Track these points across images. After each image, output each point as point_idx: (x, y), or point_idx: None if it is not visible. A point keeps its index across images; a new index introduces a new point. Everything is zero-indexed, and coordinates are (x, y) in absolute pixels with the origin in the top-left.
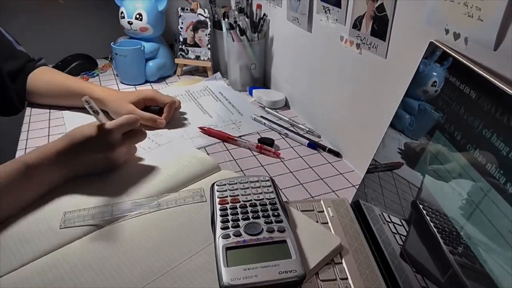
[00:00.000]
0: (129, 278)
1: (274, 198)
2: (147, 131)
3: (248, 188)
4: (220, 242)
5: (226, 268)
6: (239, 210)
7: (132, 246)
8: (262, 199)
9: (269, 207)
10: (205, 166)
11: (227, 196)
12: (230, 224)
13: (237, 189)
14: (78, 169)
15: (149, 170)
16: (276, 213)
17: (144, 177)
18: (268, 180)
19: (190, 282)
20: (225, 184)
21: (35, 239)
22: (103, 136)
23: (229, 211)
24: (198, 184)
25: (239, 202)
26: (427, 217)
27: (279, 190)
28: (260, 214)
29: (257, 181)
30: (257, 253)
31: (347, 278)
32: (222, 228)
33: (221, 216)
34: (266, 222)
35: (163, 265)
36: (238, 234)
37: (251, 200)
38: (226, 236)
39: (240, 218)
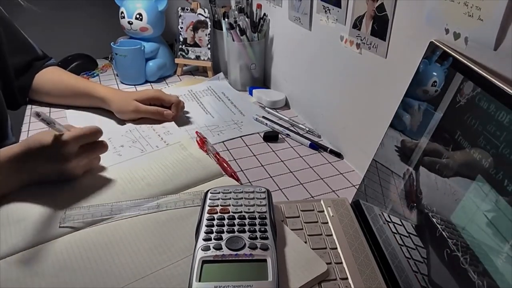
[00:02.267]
0: (104, 280)
1: (265, 212)
2: (156, 125)
3: (241, 198)
4: (198, 254)
5: (197, 283)
6: (226, 221)
7: (118, 248)
8: (253, 212)
9: (257, 221)
10: (207, 172)
11: (217, 205)
12: (213, 235)
13: (229, 198)
14: (32, 176)
15: (151, 169)
16: (263, 229)
17: (145, 177)
18: (264, 192)
19: None
20: (218, 193)
21: (29, 230)
22: (58, 147)
23: (215, 222)
24: (199, 188)
25: (229, 212)
26: (444, 232)
27: (273, 204)
28: (247, 228)
29: (252, 192)
30: (233, 270)
31: (347, 278)
32: (204, 239)
33: (207, 226)
34: (250, 238)
35: (140, 271)
36: (218, 248)
37: (241, 211)
38: (206, 248)
39: (224, 230)
